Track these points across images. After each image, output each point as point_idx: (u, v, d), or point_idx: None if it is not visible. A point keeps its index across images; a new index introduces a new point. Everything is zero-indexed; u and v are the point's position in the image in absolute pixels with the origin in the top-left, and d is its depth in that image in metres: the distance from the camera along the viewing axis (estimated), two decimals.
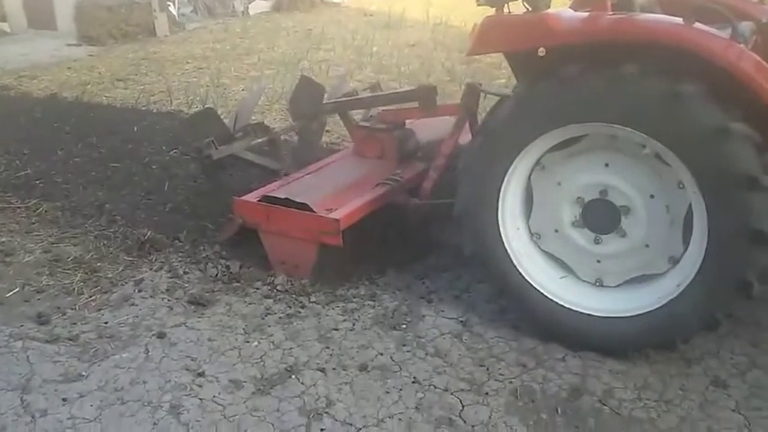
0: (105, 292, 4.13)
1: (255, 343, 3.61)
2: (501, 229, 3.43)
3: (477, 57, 9.75)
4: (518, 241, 3.48)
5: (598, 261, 3.42)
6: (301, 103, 5.19)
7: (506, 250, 3.46)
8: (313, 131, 5.54)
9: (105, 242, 4.67)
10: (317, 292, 4.06)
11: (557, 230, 3.47)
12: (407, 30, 12.93)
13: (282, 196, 4.13)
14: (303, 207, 4.01)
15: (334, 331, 3.70)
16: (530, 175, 3.43)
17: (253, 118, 5.39)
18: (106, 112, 7.72)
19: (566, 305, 3.40)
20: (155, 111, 7.81)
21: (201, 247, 4.53)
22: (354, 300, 3.99)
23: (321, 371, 3.38)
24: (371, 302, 3.98)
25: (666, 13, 3.23)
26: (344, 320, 3.80)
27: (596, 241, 3.38)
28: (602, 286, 3.44)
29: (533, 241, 3.54)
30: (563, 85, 3.05)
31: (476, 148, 3.44)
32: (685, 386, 3.23)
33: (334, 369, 3.39)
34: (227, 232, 4.46)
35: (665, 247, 3.25)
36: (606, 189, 3.28)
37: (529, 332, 3.64)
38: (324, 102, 5.20)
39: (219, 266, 4.31)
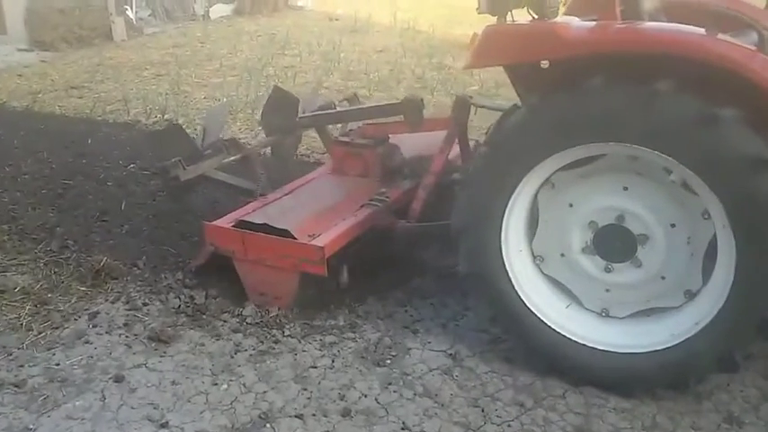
0: (56, 328, 3.73)
1: (224, 386, 3.25)
2: (503, 248, 3.14)
3: (447, 63, 9.54)
4: (520, 263, 3.19)
5: (607, 290, 3.15)
6: (275, 117, 4.83)
7: (507, 272, 3.17)
8: (288, 147, 5.17)
9: (56, 270, 4.26)
10: (291, 323, 3.72)
11: (563, 255, 3.19)
12: (374, 35, 12.66)
13: (260, 221, 3.77)
14: (283, 233, 3.67)
15: (312, 369, 3.36)
16: (536, 193, 3.15)
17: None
18: (58, 123, 7.26)
19: (568, 336, 3.12)
20: (111, 121, 7.37)
21: (162, 275, 4.15)
22: (333, 331, 3.66)
23: (299, 417, 3.04)
24: (352, 334, 3.65)
25: (672, 20, 2.98)
26: (323, 356, 3.47)
27: (607, 269, 3.11)
28: (609, 317, 3.17)
29: (536, 264, 3.25)
30: (583, 100, 2.75)
31: (480, 161, 3.14)
32: (696, 424, 2.99)
33: (313, 415, 3.06)
34: (198, 260, 4.06)
35: (683, 280, 3.00)
36: (623, 215, 3.00)
37: (524, 365, 3.36)
38: (300, 115, 4.84)
39: (182, 297, 3.94)
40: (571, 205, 3.11)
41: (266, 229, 3.71)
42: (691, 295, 3.01)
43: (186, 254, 4.34)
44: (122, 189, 5.36)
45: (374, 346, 3.55)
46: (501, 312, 3.28)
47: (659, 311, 3.11)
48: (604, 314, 3.18)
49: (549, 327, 3.16)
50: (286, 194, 4.33)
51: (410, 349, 3.52)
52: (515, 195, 3.07)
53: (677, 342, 2.90)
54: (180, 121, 7.21)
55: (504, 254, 3.15)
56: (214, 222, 3.91)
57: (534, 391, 3.20)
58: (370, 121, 4.76)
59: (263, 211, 4.02)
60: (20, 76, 9.71)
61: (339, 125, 5.13)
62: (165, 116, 7.42)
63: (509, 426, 3.00)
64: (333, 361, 3.43)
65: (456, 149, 4.14)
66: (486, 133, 3.29)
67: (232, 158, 4.45)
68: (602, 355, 3.08)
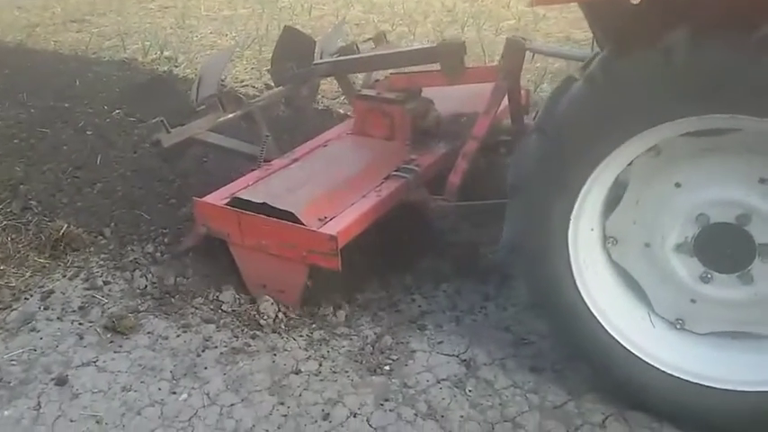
0: (4, 308, 3.20)
1: (184, 395, 2.68)
2: (570, 218, 2.39)
3: None
4: (586, 242, 2.46)
5: (692, 301, 2.45)
6: (287, 63, 4.08)
7: (567, 248, 2.42)
8: (302, 98, 4.41)
9: (14, 237, 3.70)
10: (276, 311, 3.10)
11: (647, 245, 2.45)
12: None
13: (259, 200, 3.06)
14: (287, 216, 2.97)
15: (293, 376, 2.77)
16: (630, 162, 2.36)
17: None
18: (49, 61, 6.66)
19: (632, 349, 2.45)
20: (105, 59, 6.74)
21: (130, 248, 3.56)
22: (324, 326, 3.05)
23: None
24: (346, 329, 3.04)
25: None
26: (308, 358, 2.86)
27: (704, 278, 2.39)
28: (684, 330, 2.49)
29: (605, 247, 2.53)
30: (712, 53, 1.97)
31: (533, 155, 2.37)
32: None
33: None
34: (188, 242, 3.42)
35: None
36: (749, 214, 2.25)
37: (554, 379, 2.73)
38: (316, 61, 4.09)
39: (150, 276, 3.35)
40: (678, 185, 2.33)
41: (267, 208, 3.02)
42: None
43: (161, 220, 3.75)
44: (102, 139, 4.73)
45: (371, 346, 2.94)
46: (546, 301, 2.57)
47: (749, 338, 2.43)
48: (679, 326, 2.50)
49: (604, 328, 2.46)
50: (295, 161, 3.57)
51: (414, 352, 2.90)
52: (587, 188, 2.32)
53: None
54: (180, 59, 6.60)
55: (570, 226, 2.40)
56: (206, 198, 3.22)
57: (566, 417, 2.57)
58: (400, 70, 3.90)
59: (264, 185, 3.29)
60: (19, 8, 9.06)
61: (363, 73, 4.37)
62: (165, 53, 6.73)
63: None
64: (320, 365, 2.82)
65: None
66: (536, 114, 2.49)
67: (230, 116, 3.73)
68: (665, 378, 2.40)
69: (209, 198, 3.21)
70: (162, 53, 6.71)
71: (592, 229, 2.45)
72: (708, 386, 2.35)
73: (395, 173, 3.32)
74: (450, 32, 7.38)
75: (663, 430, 2.48)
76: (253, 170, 3.45)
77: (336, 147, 3.73)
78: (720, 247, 2.31)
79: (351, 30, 7.04)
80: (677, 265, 2.40)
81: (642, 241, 2.44)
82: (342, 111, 5.16)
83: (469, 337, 2.97)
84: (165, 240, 3.57)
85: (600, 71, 2.15)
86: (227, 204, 3.12)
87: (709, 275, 2.37)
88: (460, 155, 3.27)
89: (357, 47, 4.44)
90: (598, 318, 2.45)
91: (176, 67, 6.41)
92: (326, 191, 3.18)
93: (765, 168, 2.20)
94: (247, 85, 5.81)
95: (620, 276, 2.54)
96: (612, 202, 2.45)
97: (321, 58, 4.16)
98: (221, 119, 3.71)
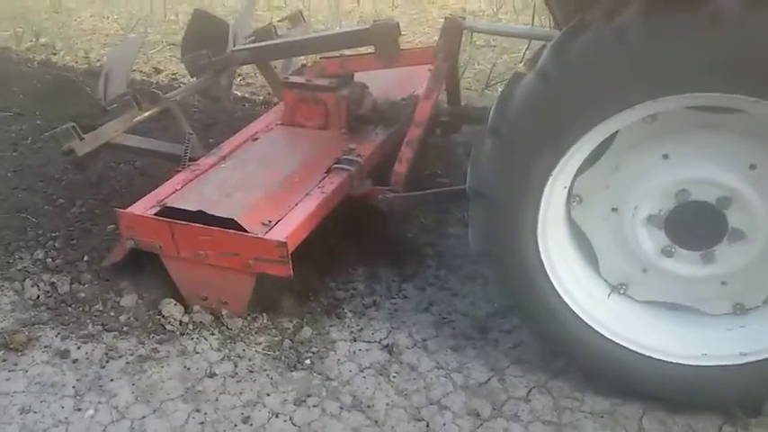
0: None
1: (90, 411, 2.52)
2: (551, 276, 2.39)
3: None
4: (555, 198, 2.34)
5: (644, 270, 2.46)
6: (199, 50, 3.81)
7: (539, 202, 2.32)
8: (221, 89, 4.11)
9: None
10: (182, 312, 2.95)
11: (614, 209, 2.41)
12: None
13: (193, 208, 2.83)
14: (226, 222, 2.76)
15: (208, 380, 2.65)
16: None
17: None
18: None
19: (564, 298, 2.43)
20: None
21: (17, 255, 3.31)
22: (236, 322, 2.92)
23: None
24: (260, 323, 2.93)
25: None
26: (222, 359, 2.75)
27: (666, 252, 2.38)
28: (624, 295, 2.53)
29: (568, 205, 2.45)
30: (665, 31, 1.94)
31: (489, 155, 2.28)
32: (693, 428, 2.43)
33: None
34: (113, 258, 3.16)
35: (743, 293, 2.42)
36: (730, 198, 2.25)
37: (476, 356, 2.75)
38: (231, 47, 3.85)
39: (42, 284, 3.12)
40: (666, 157, 2.30)
41: (202, 215, 2.80)
42: (742, 310, 2.43)
43: (50, 224, 3.52)
44: None
45: (289, 340, 2.85)
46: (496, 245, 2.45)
47: (686, 310, 2.50)
48: (621, 290, 2.53)
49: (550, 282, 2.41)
50: (223, 159, 3.31)
51: (335, 342, 2.84)
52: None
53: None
54: (58, 46, 6.20)
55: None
56: (131, 208, 2.95)
57: (491, 393, 2.58)
58: (329, 55, 3.75)
59: (195, 190, 3.04)
60: None
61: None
62: (41, 40, 6.30)
63: None
64: (235, 366, 2.72)
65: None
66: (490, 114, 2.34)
67: (146, 114, 3.46)
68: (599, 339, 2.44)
69: (134, 208, 2.94)
70: (38, 40, 6.29)
71: (565, 187, 2.38)
72: (639, 353, 2.40)
73: (336, 165, 3.16)
74: (346, 6, 7.28)
75: (585, 399, 2.54)
76: (177, 171, 3.21)
77: (267, 140, 3.51)
78: (692, 224, 2.32)
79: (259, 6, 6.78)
80: (642, 235, 2.38)
81: (610, 206, 2.42)
82: (261, 98, 5.02)
83: (390, 321, 2.94)
84: (56, 245, 3.35)
85: (551, 62, 2.09)
86: (156, 214, 2.89)
87: (672, 250, 2.37)
88: (404, 142, 3.16)
89: (275, 28, 4.22)
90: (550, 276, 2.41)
91: (54, 54, 6.03)
92: (266, 192, 2.99)
93: (759, 154, 2.20)
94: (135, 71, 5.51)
95: (573, 235, 2.51)
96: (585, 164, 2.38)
97: (235, 42, 3.93)
98: (137, 118, 3.42)
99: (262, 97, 5.09)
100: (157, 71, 5.67)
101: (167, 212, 2.88)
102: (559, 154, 2.18)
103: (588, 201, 2.43)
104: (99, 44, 6.38)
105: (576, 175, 2.36)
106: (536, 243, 2.33)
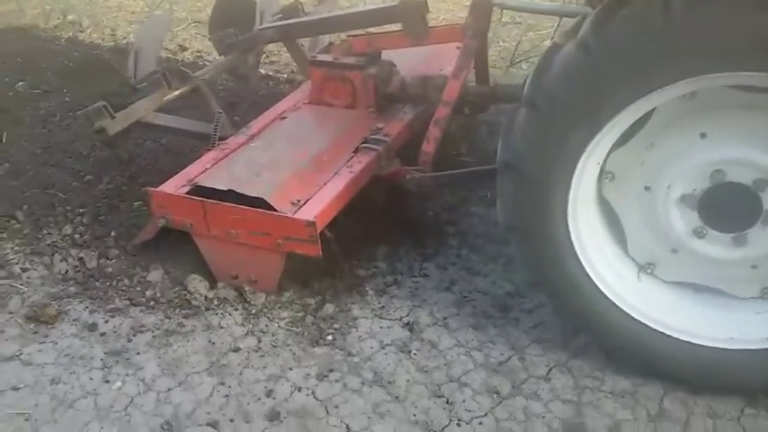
0: None
1: (118, 383, 2.59)
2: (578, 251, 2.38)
3: None
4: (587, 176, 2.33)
5: (673, 250, 2.45)
6: (227, 29, 3.84)
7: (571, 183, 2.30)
8: (249, 67, 4.15)
9: None
10: (207, 288, 3.01)
11: (647, 188, 2.38)
12: None
13: (223, 187, 2.86)
14: (257, 202, 2.80)
15: (232, 354, 2.71)
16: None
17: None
18: None
19: (593, 277, 2.43)
20: (1, 27, 6.28)
21: (46, 231, 3.38)
22: (259, 298, 2.97)
23: (213, 426, 2.41)
24: (283, 299, 2.98)
25: None
26: (246, 334, 2.80)
27: (698, 233, 2.37)
28: (651, 275, 2.52)
29: (599, 181, 2.42)
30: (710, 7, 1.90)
31: (524, 126, 2.26)
32: (714, 410, 2.44)
33: (231, 422, 2.43)
34: (144, 235, 3.20)
35: None
36: (767, 180, 2.24)
37: (497, 334, 2.78)
38: (258, 25, 3.86)
39: (70, 259, 3.20)
40: (704, 136, 2.26)
41: (232, 194, 2.84)
42: None
43: (78, 200, 3.58)
44: (6, 115, 4.42)
45: (312, 316, 2.89)
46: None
47: (714, 292, 2.49)
48: (648, 270, 2.52)
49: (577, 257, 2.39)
50: (252, 138, 3.33)
51: (357, 319, 2.87)
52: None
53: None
54: (85, 24, 6.24)
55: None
56: (162, 187, 2.99)
57: (511, 372, 2.61)
58: (357, 32, 3.73)
59: (225, 169, 3.06)
60: None
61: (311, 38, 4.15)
62: (69, 18, 6.35)
63: (480, 423, 2.40)
64: (259, 341, 2.77)
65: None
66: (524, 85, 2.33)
67: (176, 93, 3.50)
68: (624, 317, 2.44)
69: (165, 187, 2.98)
70: (65, 17, 6.32)
71: (598, 163, 2.36)
72: (665, 333, 2.40)
73: (364, 145, 3.17)
74: None
75: (606, 379, 2.56)
76: (208, 150, 3.24)
77: (295, 119, 3.53)
78: (726, 206, 2.30)
79: None
80: (675, 215, 2.36)
81: (643, 184, 2.39)
82: (285, 76, 5.04)
83: (411, 299, 2.97)
84: (84, 221, 3.41)
85: (592, 34, 2.05)
86: (188, 193, 2.92)
87: (704, 231, 2.36)
88: (432, 122, 3.16)
89: (302, 6, 4.21)
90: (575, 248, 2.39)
91: (81, 32, 6.07)
92: (295, 171, 3.02)
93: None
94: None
95: (603, 212, 2.50)
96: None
97: (262, 20, 3.94)
98: (167, 97, 3.47)
99: (286, 75, 5.10)
100: (183, 48, 5.70)
101: (198, 191, 2.91)
102: (596, 128, 2.15)
103: (621, 178, 2.41)
104: (125, 21, 6.41)
105: (609, 152, 2.33)
106: (566, 218, 2.31)
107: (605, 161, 2.36)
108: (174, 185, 2.98)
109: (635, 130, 2.29)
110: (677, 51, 1.98)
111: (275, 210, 2.77)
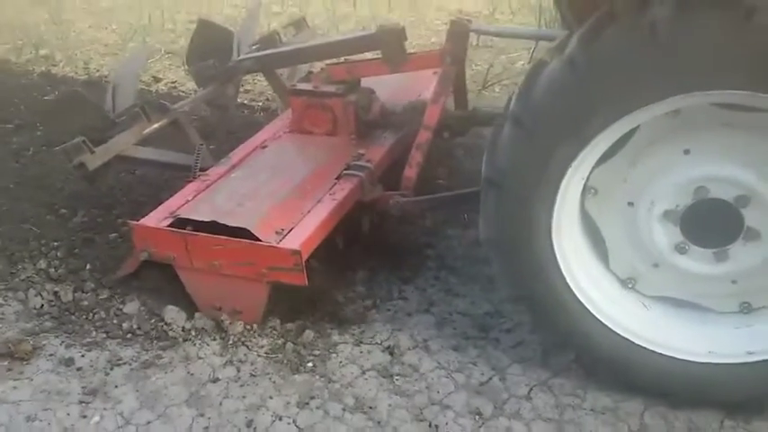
0: None
1: (96, 418, 2.55)
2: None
3: None
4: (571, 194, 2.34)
5: (655, 265, 2.48)
6: (205, 60, 3.87)
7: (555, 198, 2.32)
8: (228, 98, 4.19)
9: None
10: (185, 318, 2.98)
11: (630, 204, 2.40)
12: None
13: (206, 218, 2.87)
14: (240, 231, 2.79)
15: (212, 385, 2.68)
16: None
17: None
18: None
19: (573, 288, 2.44)
20: None
21: (21, 266, 3.34)
22: (237, 326, 2.93)
23: None
24: (261, 327, 2.95)
25: None
26: (225, 364, 2.78)
27: (679, 249, 2.40)
28: (632, 289, 2.55)
29: (582, 196, 2.45)
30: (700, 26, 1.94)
31: (508, 143, 2.27)
32: (695, 423, 2.45)
33: None
34: (126, 269, 3.17)
35: (753, 295, 2.45)
36: (749, 197, 2.27)
37: (478, 355, 2.78)
38: (236, 55, 3.89)
39: (45, 294, 3.16)
40: (687, 152, 2.29)
41: (216, 225, 2.83)
42: (749, 309, 2.46)
43: (53, 233, 3.55)
44: None
45: (291, 343, 2.88)
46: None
47: (694, 307, 2.52)
48: (629, 285, 2.54)
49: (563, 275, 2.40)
50: (233, 168, 3.34)
51: (337, 345, 2.86)
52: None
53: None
54: (58, 58, 6.24)
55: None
56: (143, 220, 2.98)
57: (492, 392, 2.61)
58: (335, 61, 3.75)
59: (207, 200, 3.07)
60: None
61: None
62: (41, 52, 6.34)
63: None
64: (238, 370, 2.74)
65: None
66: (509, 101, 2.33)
67: (155, 126, 3.51)
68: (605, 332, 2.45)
69: (147, 220, 2.97)
70: (37, 52, 6.32)
71: (582, 179, 2.37)
72: (645, 348, 2.41)
73: (346, 171, 3.18)
74: (342, 9, 7.31)
75: (587, 397, 2.57)
76: (188, 182, 3.23)
77: (276, 148, 3.54)
78: (708, 222, 2.32)
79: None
80: (657, 230, 2.39)
81: (626, 200, 2.42)
82: (260, 104, 5.08)
83: (391, 323, 2.97)
84: (59, 254, 3.39)
85: (579, 51, 2.07)
86: (170, 226, 2.91)
87: (686, 246, 2.38)
88: (414, 146, 3.18)
89: (278, 35, 4.26)
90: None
91: (54, 66, 6.07)
92: (278, 200, 3.02)
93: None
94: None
95: (585, 227, 2.52)
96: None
97: (240, 50, 3.97)
98: (146, 130, 3.47)
99: (260, 103, 5.13)
100: (156, 80, 5.71)
101: (180, 223, 2.91)
102: (582, 144, 2.17)
103: (604, 193, 2.43)
104: (98, 54, 6.42)
105: (593, 167, 2.35)
106: (549, 233, 2.32)
107: (588, 176, 2.38)
108: (156, 218, 2.97)
109: (618, 146, 2.31)
110: (663, 69, 2.00)
111: (259, 239, 2.76)
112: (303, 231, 2.83)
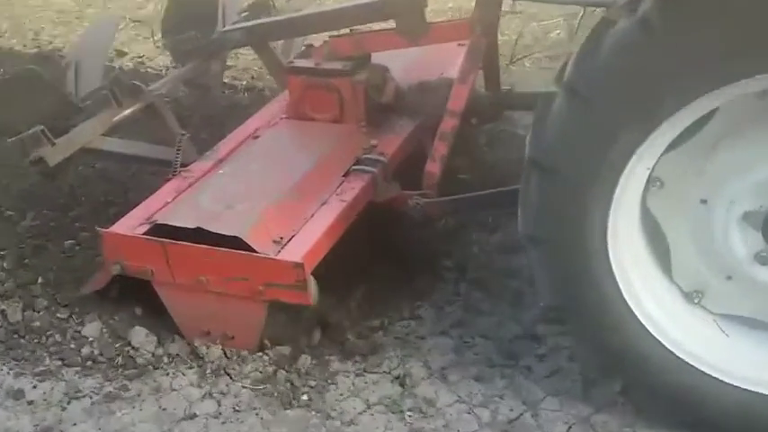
0: None
1: None
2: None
3: None
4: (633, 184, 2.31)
5: (728, 277, 2.48)
6: (185, 32, 3.88)
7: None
8: (212, 77, 4.22)
9: None
10: (155, 343, 3.01)
11: (704, 201, 2.38)
12: None
13: (190, 225, 2.84)
14: (231, 240, 2.77)
15: (187, 422, 2.70)
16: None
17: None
18: None
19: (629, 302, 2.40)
20: None
21: None
22: (218, 352, 2.96)
23: None
24: (247, 353, 2.97)
25: None
26: (204, 396, 2.81)
27: (759, 258, 2.40)
28: (697, 305, 2.54)
29: (645, 189, 2.41)
30: None
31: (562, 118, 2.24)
32: None
33: None
34: (93, 285, 3.18)
35: None
36: None
37: (502, 384, 2.80)
38: (222, 26, 3.90)
39: None
40: None
41: (202, 233, 2.81)
42: None
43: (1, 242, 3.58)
44: None
45: (283, 371, 2.90)
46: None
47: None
48: (695, 299, 2.52)
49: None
50: (221, 162, 3.35)
51: (337, 374, 2.89)
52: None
53: None
54: (3, 28, 6.29)
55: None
56: (115, 227, 2.98)
57: (523, 431, 2.62)
58: (340, 32, 3.75)
59: (191, 202, 3.06)
60: None
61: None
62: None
63: None
64: (219, 404, 2.77)
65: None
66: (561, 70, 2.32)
67: (127, 112, 3.49)
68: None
69: (119, 226, 2.98)
70: None
71: (648, 168, 2.34)
72: (712, 376, 2.39)
73: (356, 167, 3.19)
74: None
75: (636, 428, 2.58)
76: (168, 179, 3.25)
77: (271, 138, 3.54)
78: None
79: None
80: (735, 234, 2.38)
81: (699, 196, 2.39)
82: (244, 83, 5.11)
83: (401, 347, 3.00)
84: (5, 265, 3.43)
85: (659, 9, 1.99)
86: (146, 233, 2.91)
87: (767, 255, 2.38)
88: (437, 136, 3.18)
89: (272, 2, 4.25)
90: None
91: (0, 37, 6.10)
92: (275, 202, 3.02)
93: None
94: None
95: (646, 227, 2.50)
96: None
97: (225, 20, 3.97)
98: (117, 117, 3.47)
99: (245, 82, 5.16)
100: (121, 54, 5.74)
101: (159, 230, 2.90)
102: (652, 125, 2.13)
103: (672, 187, 2.41)
104: (51, 23, 6.47)
105: (661, 155, 2.32)
106: (604, 231, 2.29)
107: (654, 166, 2.35)
108: (130, 224, 2.98)
109: (694, 130, 2.28)
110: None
111: (254, 250, 2.77)
112: (306, 240, 2.84)
